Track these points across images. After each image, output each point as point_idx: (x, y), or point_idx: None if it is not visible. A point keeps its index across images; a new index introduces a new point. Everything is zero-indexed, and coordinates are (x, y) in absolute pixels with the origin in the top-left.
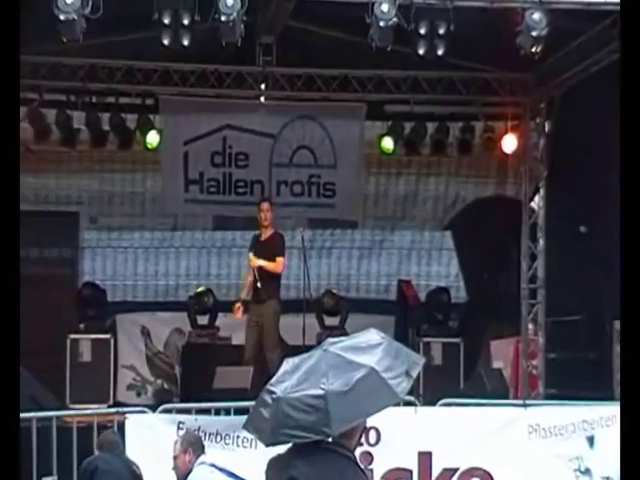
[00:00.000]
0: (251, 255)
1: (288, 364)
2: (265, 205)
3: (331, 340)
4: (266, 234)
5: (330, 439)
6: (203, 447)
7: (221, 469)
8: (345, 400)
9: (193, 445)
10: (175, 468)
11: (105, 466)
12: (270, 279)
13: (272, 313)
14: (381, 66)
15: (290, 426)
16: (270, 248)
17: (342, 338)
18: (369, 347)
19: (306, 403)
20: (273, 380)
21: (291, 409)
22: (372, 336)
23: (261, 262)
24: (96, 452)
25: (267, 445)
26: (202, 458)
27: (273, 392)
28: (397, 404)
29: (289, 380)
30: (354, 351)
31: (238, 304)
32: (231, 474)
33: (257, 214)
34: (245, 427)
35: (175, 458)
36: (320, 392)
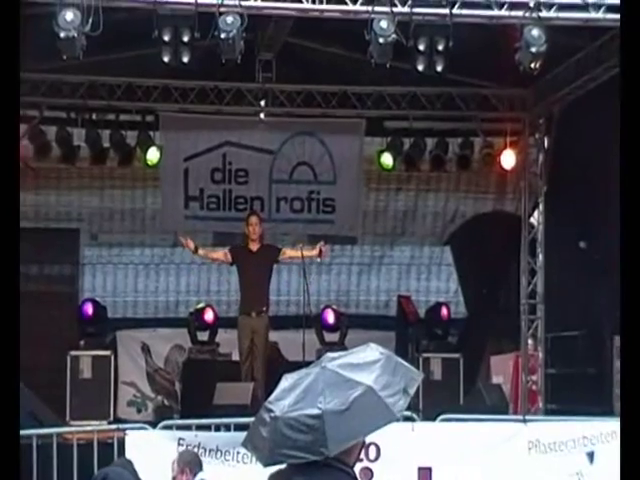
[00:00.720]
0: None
1: (287, 381)
2: (254, 219)
3: (330, 355)
4: (254, 247)
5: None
6: (200, 464)
7: None
8: (342, 420)
9: (190, 464)
10: None
11: (115, 476)
12: (264, 290)
13: (265, 328)
14: (380, 82)
15: (287, 446)
16: (266, 255)
17: (341, 353)
18: (366, 364)
19: (303, 423)
20: (272, 397)
21: (288, 429)
22: (371, 352)
23: (296, 253)
24: None
25: (265, 465)
26: (200, 476)
27: (271, 410)
28: (396, 421)
29: (287, 398)
30: (352, 368)
31: (191, 241)
32: None
33: (245, 228)
34: (244, 444)
35: (173, 479)
36: (317, 412)
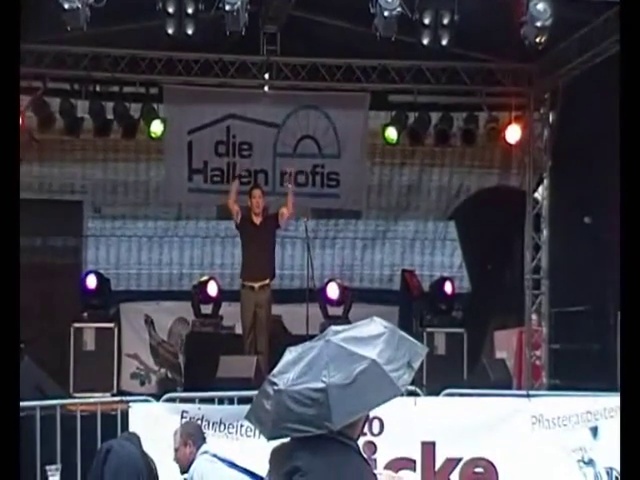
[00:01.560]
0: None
1: (291, 354)
2: (257, 192)
3: (334, 329)
4: (258, 220)
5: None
6: (203, 436)
7: (222, 459)
8: (346, 394)
9: (192, 436)
10: (177, 460)
11: (120, 448)
12: (268, 261)
13: (268, 301)
14: (385, 56)
15: (291, 420)
16: (269, 226)
17: (346, 327)
18: (371, 338)
19: (307, 396)
20: (275, 370)
21: (292, 402)
22: (375, 326)
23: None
24: None
25: (269, 439)
26: (204, 448)
27: (275, 383)
28: (400, 396)
29: (291, 372)
30: (356, 342)
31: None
32: (232, 464)
33: (248, 201)
34: (247, 417)
35: (176, 450)
36: (321, 385)
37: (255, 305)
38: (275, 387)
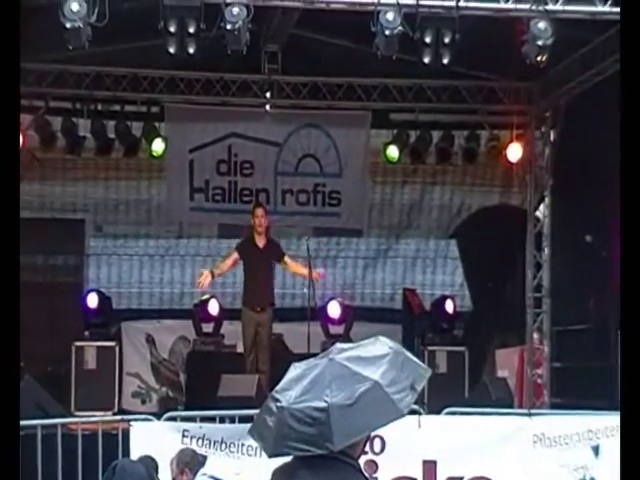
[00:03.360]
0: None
1: (295, 370)
2: (260, 211)
3: (339, 347)
4: (261, 241)
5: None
6: (200, 461)
7: None
8: (348, 414)
9: (189, 464)
10: None
11: (129, 467)
12: (270, 285)
13: (269, 320)
14: (386, 74)
15: (292, 438)
16: (271, 253)
17: (351, 345)
18: (375, 358)
19: (309, 415)
20: (279, 387)
21: (294, 420)
22: (380, 346)
23: (304, 270)
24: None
25: (270, 456)
26: (203, 470)
27: (278, 400)
28: (401, 418)
29: (294, 389)
30: (359, 362)
31: (206, 273)
32: None
33: (251, 220)
34: (250, 433)
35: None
36: (323, 405)
37: (256, 324)
38: (278, 404)
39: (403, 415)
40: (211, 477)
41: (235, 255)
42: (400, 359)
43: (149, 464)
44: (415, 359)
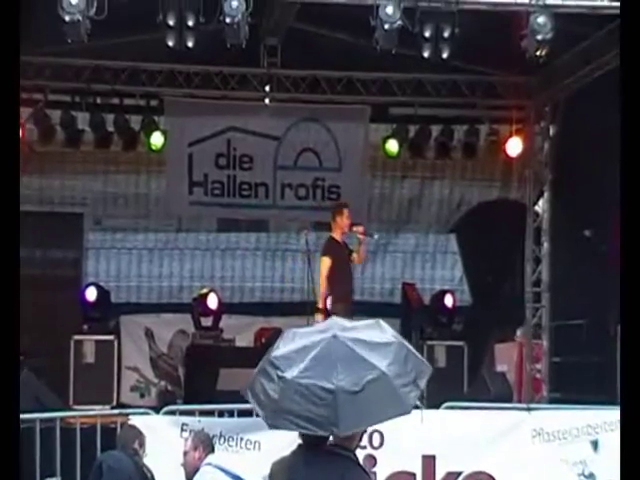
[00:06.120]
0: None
1: (294, 339)
2: (347, 211)
3: (340, 323)
4: (340, 239)
5: (332, 439)
6: (213, 447)
7: (227, 471)
8: (354, 402)
9: (203, 443)
10: (184, 464)
11: (114, 464)
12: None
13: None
14: (386, 69)
15: (296, 414)
16: (347, 249)
17: (355, 324)
18: (380, 345)
19: (315, 394)
20: (278, 353)
21: (298, 396)
22: (382, 333)
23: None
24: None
25: (270, 427)
26: (210, 458)
27: (278, 368)
28: (407, 414)
29: (297, 362)
30: (364, 346)
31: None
32: (235, 476)
33: (333, 219)
34: (244, 394)
35: (185, 454)
36: (330, 386)
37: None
38: (279, 372)
39: (408, 412)
40: (216, 467)
41: (329, 263)
42: (404, 352)
43: (132, 448)
44: (417, 354)
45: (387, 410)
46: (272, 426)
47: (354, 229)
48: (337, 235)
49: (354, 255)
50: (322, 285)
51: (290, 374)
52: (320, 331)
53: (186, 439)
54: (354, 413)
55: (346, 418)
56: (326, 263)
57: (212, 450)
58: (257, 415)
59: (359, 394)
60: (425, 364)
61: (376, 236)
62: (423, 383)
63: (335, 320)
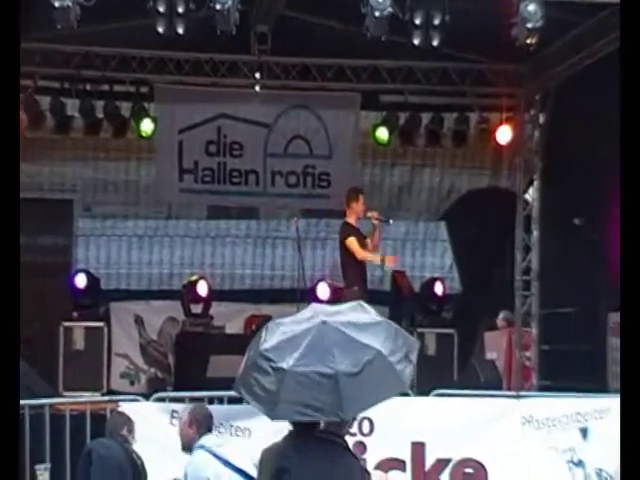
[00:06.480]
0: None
1: (280, 333)
2: (363, 197)
3: (323, 309)
4: (355, 223)
5: (322, 426)
6: (209, 426)
7: (219, 457)
8: (356, 384)
9: (198, 421)
10: (180, 435)
11: (104, 451)
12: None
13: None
14: (376, 56)
15: (300, 403)
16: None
17: (334, 308)
18: (369, 325)
19: (315, 381)
20: (268, 346)
21: (299, 386)
22: (365, 313)
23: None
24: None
25: (273, 419)
26: (203, 440)
27: (271, 360)
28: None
29: (290, 352)
30: (355, 328)
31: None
32: (227, 462)
33: (348, 204)
34: (236, 389)
35: (182, 429)
36: (329, 371)
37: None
38: (273, 364)
39: (406, 388)
40: (209, 451)
41: (355, 240)
42: (393, 329)
43: (121, 435)
44: (403, 330)
45: (387, 388)
46: (275, 418)
47: (369, 214)
48: (352, 220)
49: (367, 241)
50: (366, 258)
51: (286, 364)
52: (306, 319)
53: (184, 410)
54: (357, 395)
55: (350, 401)
56: (354, 242)
57: (208, 429)
58: (248, 402)
59: (359, 375)
60: (412, 338)
61: (391, 221)
62: (414, 357)
63: (315, 307)
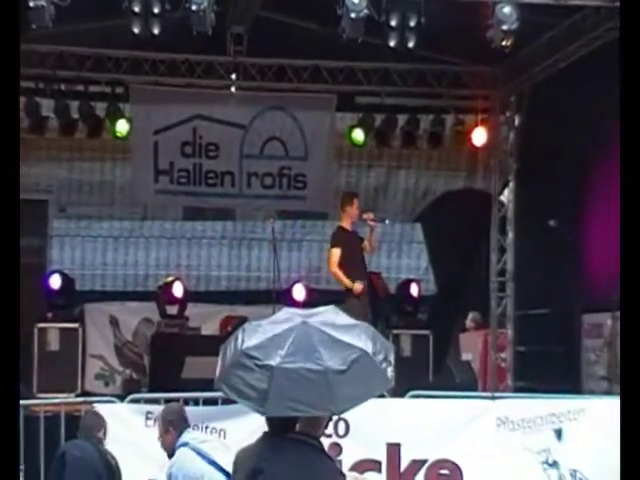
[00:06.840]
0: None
1: (260, 333)
2: (357, 201)
3: (294, 311)
4: (350, 227)
5: (297, 427)
6: (185, 419)
7: (203, 455)
8: (344, 381)
9: (173, 422)
10: (162, 446)
11: (77, 453)
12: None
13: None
14: (352, 57)
15: (291, 398)
16: (357, 235)
17: (310, 311)
18: (348, 327)
19: (305, 377)
20: (251, 345)
21: (289, 381)
22: (341, 316)
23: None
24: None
25: (264, 415)
26: (185, 436)
27: (256, 358)
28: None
29: (275, 350)
30: (336, 329)
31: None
32: (211, 461)
33: (342, 208)
34: (217, 387)
35: (160, 437)
36: (318, 367)
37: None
38: (258, 362)
39: (391, 385)
40: (193, 449)
41: (338, 254)
42: (370, 331)
43: (95, 437)
44: (378, 333)
45: (374, 386)
46: (268, 414)
47: (364, 216)
48: (346, 224)
49: (365, 243)
50: (336, 275)
51: (273, 361)
52: (283, 320)
53: (155, 421)
54: (346, 392)
55: (340, 397)
56: (336, 254)
57: (186, 423)
58: (223, 403)
59: (347, 373)
60: (387, 342)
61: (387, 221)
62: (392, 359)
63: (288, 310)
